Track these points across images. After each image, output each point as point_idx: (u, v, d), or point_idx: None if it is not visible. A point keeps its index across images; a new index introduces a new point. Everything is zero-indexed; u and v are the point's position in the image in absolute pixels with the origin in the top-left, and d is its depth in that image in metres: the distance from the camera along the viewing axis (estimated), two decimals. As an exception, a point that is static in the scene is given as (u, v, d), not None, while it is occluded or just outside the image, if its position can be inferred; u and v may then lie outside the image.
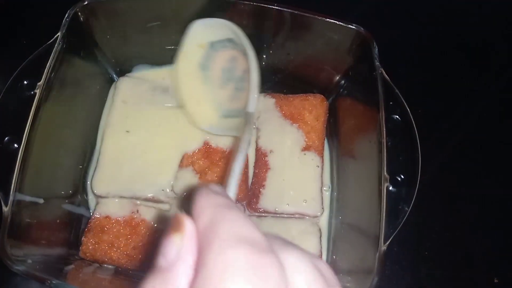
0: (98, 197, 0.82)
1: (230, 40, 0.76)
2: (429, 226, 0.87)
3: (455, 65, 1.03)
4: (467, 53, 1.04)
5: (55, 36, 0.71)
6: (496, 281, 0.84)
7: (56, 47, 0.70)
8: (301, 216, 0.82)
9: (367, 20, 0.77)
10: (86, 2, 0.73)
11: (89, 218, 0.81)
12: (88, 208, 0.83)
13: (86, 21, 0.76)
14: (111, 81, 0.93)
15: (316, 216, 0.81)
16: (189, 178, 0.82)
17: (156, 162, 0.83)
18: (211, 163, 0.84)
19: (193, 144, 0.85)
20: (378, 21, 1.04)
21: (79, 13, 0.74)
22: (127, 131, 0.85)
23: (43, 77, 0.68)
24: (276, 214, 0.82)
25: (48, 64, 0.69)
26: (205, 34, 0.78)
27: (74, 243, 0.79)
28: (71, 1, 0.73)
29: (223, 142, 0.85)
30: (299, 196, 0.81)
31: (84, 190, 0.84)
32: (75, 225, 0.81)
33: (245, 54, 0.73)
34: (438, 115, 0.96)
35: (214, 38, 0.78)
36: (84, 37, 0.79)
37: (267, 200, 0.81)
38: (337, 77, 0.87)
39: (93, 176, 0.83)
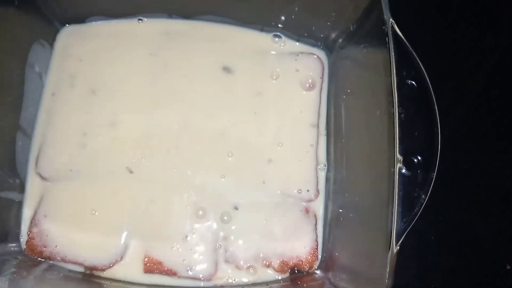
0: (44, 180, 0.68)
1: None
2: (437, 211, 0.77)
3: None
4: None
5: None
6: (508, 267, 0.77)
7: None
8: (294, 200, 0.70)
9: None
10: None
11: (21, 201, 0.67)
12: (21, 191, 0.68)
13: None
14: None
15: (310, 200, 0.70)
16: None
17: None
18: None
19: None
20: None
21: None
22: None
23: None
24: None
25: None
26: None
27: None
28: None
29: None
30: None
31: (14, 170, 0.68)
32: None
33: None
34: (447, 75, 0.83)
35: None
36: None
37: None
38: (341, 32, 0.72)
39: (38, 156, 0.69)
